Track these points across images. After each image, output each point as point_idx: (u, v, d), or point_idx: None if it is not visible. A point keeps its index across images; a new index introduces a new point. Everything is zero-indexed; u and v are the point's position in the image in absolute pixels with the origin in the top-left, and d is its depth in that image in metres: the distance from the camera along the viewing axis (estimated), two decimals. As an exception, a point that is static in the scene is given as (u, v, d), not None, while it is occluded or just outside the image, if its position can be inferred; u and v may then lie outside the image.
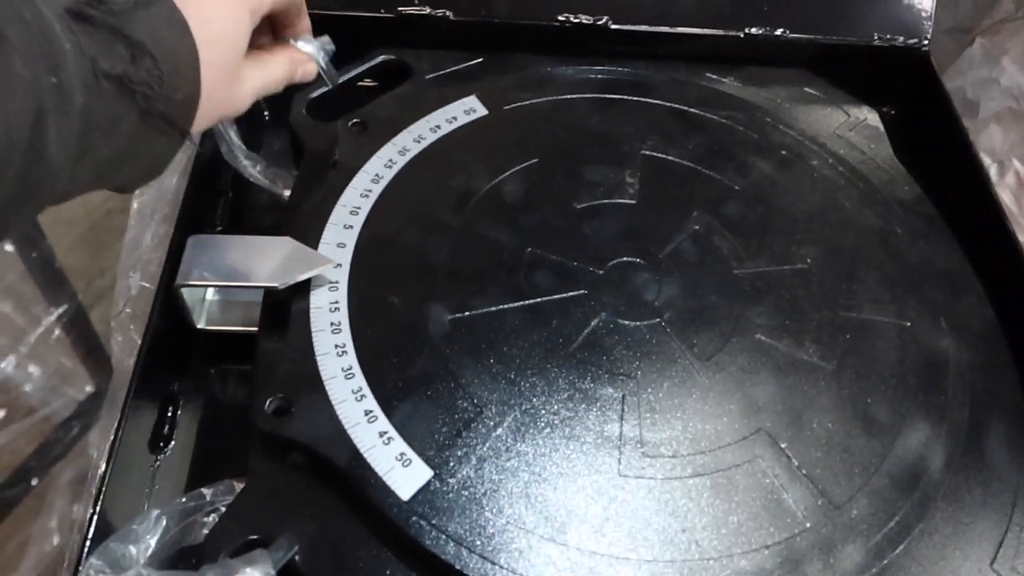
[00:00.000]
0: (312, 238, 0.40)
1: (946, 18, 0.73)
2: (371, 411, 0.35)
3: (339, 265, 0.40)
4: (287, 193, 0.45)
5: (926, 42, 0.54)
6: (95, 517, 0.35)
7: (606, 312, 0.39)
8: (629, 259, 0.41)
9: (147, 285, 0.46)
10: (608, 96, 0.50)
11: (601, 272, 0.41)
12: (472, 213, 0.43)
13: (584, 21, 0.53)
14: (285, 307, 0.38)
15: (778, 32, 0.53)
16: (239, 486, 0.35)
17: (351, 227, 0.41)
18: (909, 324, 0.40)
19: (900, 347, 0.39)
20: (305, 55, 0.40)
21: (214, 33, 0.32)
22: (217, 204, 0.50)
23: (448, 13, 0.53)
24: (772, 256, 0.42)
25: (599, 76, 0.51)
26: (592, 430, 0.35)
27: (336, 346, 0.37)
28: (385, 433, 0.34)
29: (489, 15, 0.53)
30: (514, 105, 0.48)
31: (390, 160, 0.45)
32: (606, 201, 0.44)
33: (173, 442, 0.41)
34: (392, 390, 0.36)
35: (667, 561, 0.32)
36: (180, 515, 0.34)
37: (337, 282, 0.39)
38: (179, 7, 0.30)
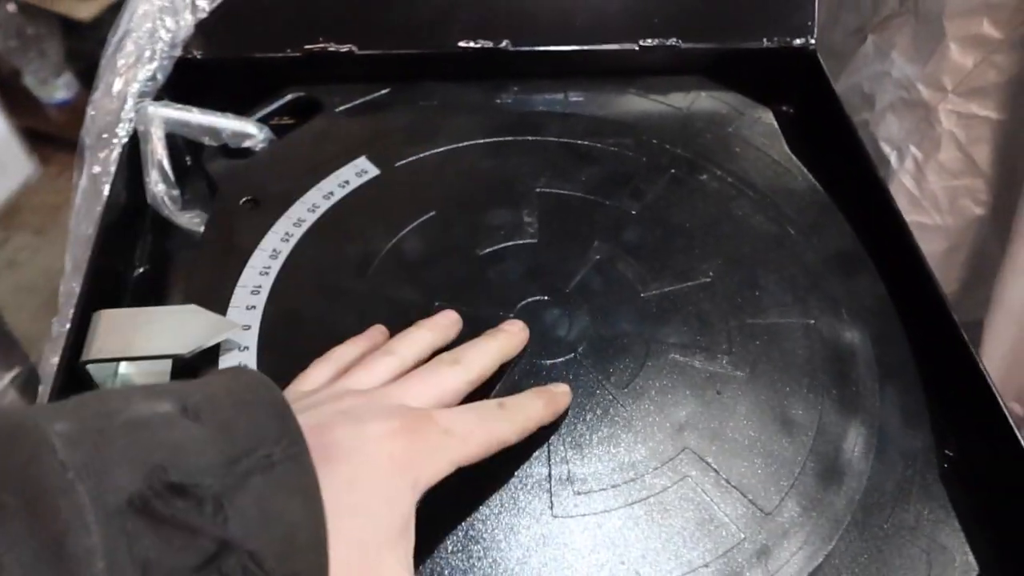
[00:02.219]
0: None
1: (850, 20, 0.78)
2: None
3: (248, 327, 0.39)
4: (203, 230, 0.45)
5: (812, 42, 0.56)
6: None
7: (526, 355, 0.39)
8: (537, 298, 0.41)
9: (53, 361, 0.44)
10: (497, 139, 0.50)
11: (511, 316, 0.40)
12: (375, 276, 0.42)
13: (484, 46, 0.54)
14: (196, 375, 0.37)
15: (671, 42, 0.55)
16: None
17: (254, 307, 0.40)
18: (813, 322, 0.42)
19: (808, 345, 0.41)
20: None
21: (352, 499, 0.26)
22: (135, 248, 0.48)
23: (352, 48, 0.53)
24: (675, 274, 0.43)
25: (486, 120, 0.52)
26: (520, 474, 0.35)
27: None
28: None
29: (392, 47, 0.54)
30: (405, 160, 0.48)
31: (286, 234, 0.43)
32: (508, 244, 0.44)
33: None
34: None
35: None
36: None
37: (247, 366, 0.37)
38: (317, 462, 0.24)
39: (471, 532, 0.33)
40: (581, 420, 0.37)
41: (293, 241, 0.43)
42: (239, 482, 0.23)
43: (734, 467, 0.36)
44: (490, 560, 0.32)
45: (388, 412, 0.30)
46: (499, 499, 0.34)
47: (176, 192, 0.47)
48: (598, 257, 0.44)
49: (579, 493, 0.34)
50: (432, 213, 0.45)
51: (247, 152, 0.49)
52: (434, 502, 0.32)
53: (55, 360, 0.45)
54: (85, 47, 1.41)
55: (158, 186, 0.47)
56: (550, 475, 0.35)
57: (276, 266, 0.42)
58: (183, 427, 0.23)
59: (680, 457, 0.36)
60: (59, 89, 1.45)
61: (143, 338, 0.37)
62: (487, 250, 0.44)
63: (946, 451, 0.38)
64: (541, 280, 0.42)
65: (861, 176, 0.49)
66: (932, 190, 0.69)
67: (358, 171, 0.47)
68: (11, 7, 1.32)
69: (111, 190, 0.46)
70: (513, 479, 0.34)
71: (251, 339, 0.39)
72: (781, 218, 0.47)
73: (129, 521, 0.21)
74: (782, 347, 0.40)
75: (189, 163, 0.51)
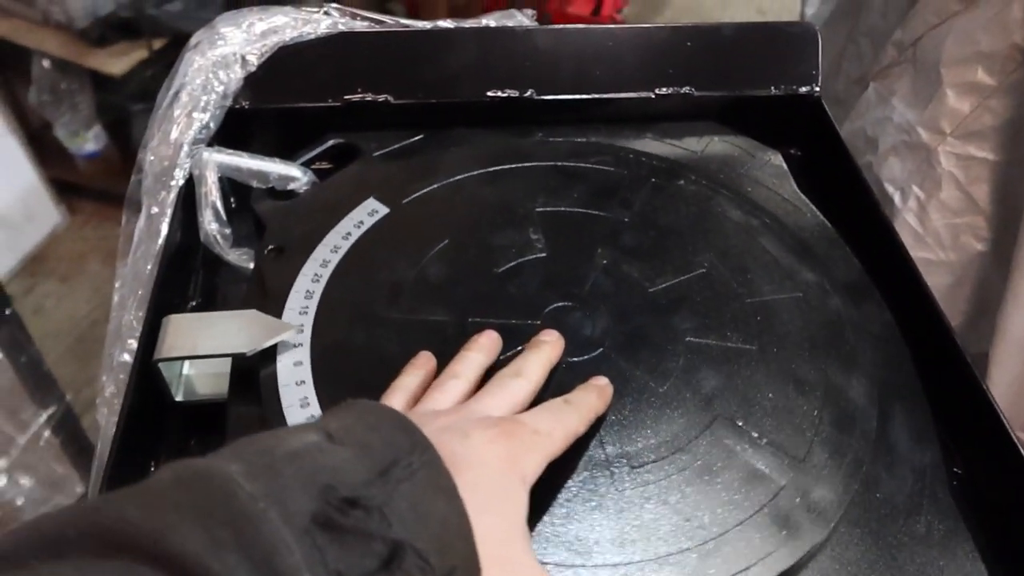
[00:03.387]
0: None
1: (852, 70, 0.82)
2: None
3: (302, 328, 0.43)
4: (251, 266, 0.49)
5: (817, 89, 0.61)
6: None
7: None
8: (558, 304, 0.46)
9: (127, 358, 0.48)
10: (492, 169, 0.55)
11: (539, 322, 0.45)
12: (408, 302, 0.46)
13: (511, 95, 0.59)
14: (255, 378, 0.41)
15: (685, 91, 0.60)
16: None
17: (301, 344, 0.43)
18: (802, 295, 0.47)
19: (801, 316, 0.46)
20: None
21: (480, 505, 0.29)
22: (189, 283, 0.52)
23: (388, 98, 0.58)
24: (675, 269, 0.48)
25: (480, 152, 0.56)
26: (581, 459, 0.39)
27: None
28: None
29: (425, 97, 0.59)
30: (412, 197, 0.52)
31: (316, 275, 0.47)
32: (521, 260, 0.48)
33: None
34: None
35: (685, 551, 0.36)
36: None
37: (307, 398, 0.41)
38: (447, 465, 0.28)
39: (553, 512, 0.37)
40: (623, 405, 0.41)
41: (323, 281, 0.47)
42: (393, 490, 0.26)
43: (763, 426, 0.40)
44: (572, 532, 0.36)
45: (484, 423, 0.34)
46: (570, 483, 0.38)
47: (228, 231, 0.52)
48: (604, 262, 0.48)
49: (635, 468, 0.39)
50: (446, 241, 0.49)
51: (292, 194, 0.54)
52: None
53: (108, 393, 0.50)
54: (114, 101, 1.47)
55: (211, 225, 0.52)
56: (606, 455, 0.39)
57: (312, 305, 0.45)
58: (332, 451, 0.26)
59: (714, 425, 0.40)
60: (89, 141, 1.52)
61: (208, 339, 0.42)
62: (504, 267, 0.48)
63: (954, 468, 0.42)
64: (558, 288, 0.47)
65: (866, 212, 0.53)
66: (935, 227, 0.72)
67: (369, 211, 0.51)
68: (46, 63, 1.39)
69: (169, 229, 0.50)
70: (578, 464, 0.39)
71: (306, 374, 0.42)
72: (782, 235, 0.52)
73: (317, 536, 0.23)
74: (781, 319, 0.45)
75: (234, 205, 0.56)
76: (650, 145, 0.59)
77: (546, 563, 0.36)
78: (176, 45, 1.44)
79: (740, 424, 0.40)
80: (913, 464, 0.41)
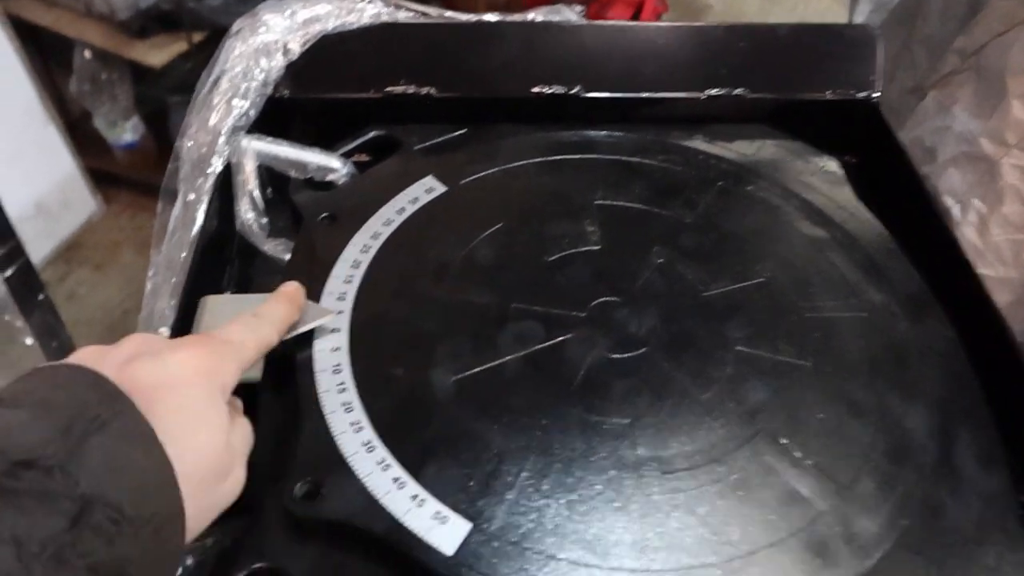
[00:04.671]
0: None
1: (906, 79, 0.80)
2: (399, 478, 0.36)
3: (340, 312, 0.42)
4: (288, 258, 0.49)
5: (876, 95, 0.59)
6: None
7: (597, 350, 0.42)
8: (606, 299, 0.44)
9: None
10: (553, 158, 0.54)
11: (583, 315, 0.44)
12: (453, 281, 0.45)
13: (557, 91, 0.57)
14: (288, 361, 0.41)
15: (738, 92, 0.58)
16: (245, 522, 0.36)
17: (341, 312, 0.43)
18: (867, 315, 0.44)
19: (864, 336, 0.43)
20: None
21: (190, 429, 0.29)
22: (224, 272, 0.52)
23: (432, 91, 0.57)
24: (733, 276, 0.46)
25: (542, 141, 0.55)
26: (610, 458, 0.38)
27: (351, 424, 0.38)
28: (416, 496, 0.36)
29: (470, 91, 0.57)
30: (470, 178, 0.52)
31: (365, 246, 0.47)
32: (573, 251, 0.47)
33: None
34: (414, 455, 0.37)
35: (708, 565, 0.34)
36: (191, 555, 0.36)
37: (340, 365, 0.41)
38: (141, 410, 0.27)
39: (570, 509, 0.36)
40: (660, 408, 0.39)
41: (371, 252, 0.47)
42: (78, 445, 0.25)
43: (808, 447, 0.38)
44: (592, 531, 0.35)
45: (175, 343, 0.33)
46: (593, 480, 0.37)
47: (264, 220, 0.52)
48: (659, 261, 0.47)
49: (666, 473, 0.37)
50: (499, 225, 0.49)
51: (330, 185, 0.53)
52: (532, 483, 0.36)
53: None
54: (153, 93, 1.48)
55: (248, 214, 0.51)
56: (638, 457, 0.38)
57: (358, 275, 0.45)
58: (5, 414, 0.25)
59: (755, 439, 0.38)
60: (127, 132, 1.53)
61: None
62: (554, 256, 0.47)
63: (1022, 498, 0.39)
64: (607, 282, 0.45)
65: (928, 224, 0.51)
66: (996, 242, 0.69)
67: (426, 188, 0.51)
68: (87, 53, 1.40)
69: (205, 217, 0.50)
70: (605, 461, 0.37)
71: (342, 340, 0.42)
72: (833, 226, 0.50)
73: None
74: (840, 338, 0.43)
75: (270, 195, 0.55)
76: (699, 148, 0.57)
77: (559, 558, 0.34)
78: (216, 38, 1.44)
79: (783, 442, 0.38)
80: (979, 490, 0.38)
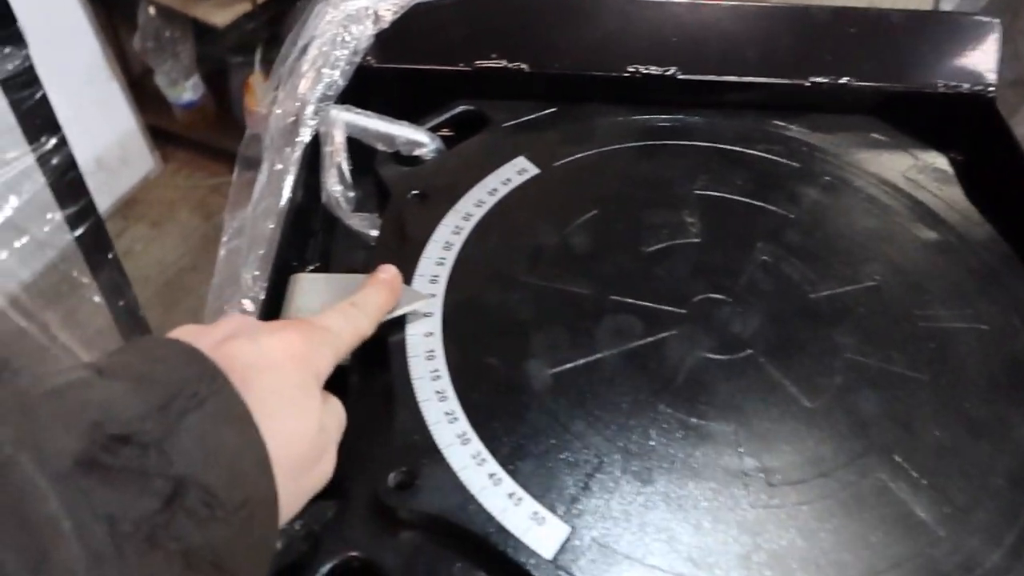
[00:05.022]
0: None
1: (1008, 71, 0.76)
2: (494, 474, 0.35)
3: (433, 296, 0.41)
4: (374, 233, 0.48)
5: (992, 90, 0.55)
6: None
7: (699, 349, 0.40)
8: (708, 296, 0.43)
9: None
10: (651, 143, 0.52)
11: (684, 311, 0.42)
12: (547, 269, 0.44)
13: (652, 72, 0.55)
14: (379, 344, 0.39)
15: (843, 80, 0.55)
16: (332, 508, 0.35)
17: (434, 295, 0.42)
18: (986, 327, 0.42)
19: (983, 350, 0.41)
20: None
21: (283, 412, 0.28)
22: (308, 245, 0.51)
23: (523, 66, 0.55)
24: (842, 278, 0.44)
25: (639, 125, 0.53)
26: (713, 466, 0.36)
27: (446, 414, 0.37)
28: (513, 494, 0.35)
29: (562, 68, 0.55)
30: (563, 161, 0.50)
31: (456, 227, 0.45)
32: (672, 243, 0.45)
33: None
34: (510, 451, 0.36)
35: None
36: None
37: (433, 351, 0.39)
38: (240, 389, 0.26)
39: (672, 518, 0.34)
40: (766, 415, 0.38)
41: (464, 234, 0.45)
42: (176, 423, 0.24)
43: (924, 466, 0.36)
44: (694, 546, 0.33)
45: (272, 326, 0.32)
46: (695, 488, 0.35)
47: (352, 194, 0.50)
48: (764, 258, 0.44)
49: (772, 485, 0.35)
50: (594, 211, 0.47)
51: (415, 159, 0.51)
52: (633, 488, 0.34)
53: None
54: (214, 52, 1.48)
55: (335, 187, 0.50)
56: (743, 467, 0.36)
57: (451, 257, 0.44)
58: (103, 386, 0.24)
59: (868, 454, 0.36)
60: (187, 91, 1.53)
61: (337, 302, 0.39)
62: (653, 247, 0.45)
63: None
64: (709, 278, 0.43)
65: None
66: None
67: (518, 170, 0.49)
68: (152, 10, 1.40)
69: (293, 188, 0.49)
70: (708, 469, 0.36)
71: (435, 325, 0.41)
72: (948, 229, 0.47)
73: (82, 479, 0.21)
74: (958, 350, 0.41)
75: (351, 167, 0.53)
76: (803, 138, 0.54)
77: (662, 570, 0.33)
78: (279, 1, 1.45)
79: (898, 459, 0.36)
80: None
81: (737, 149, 0.51)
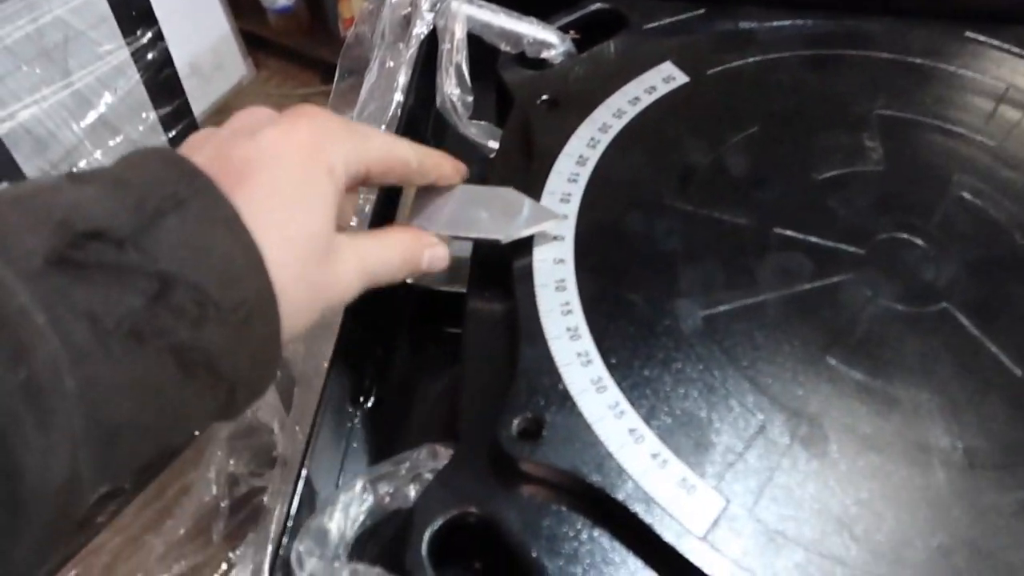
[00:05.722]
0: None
1: None
2: (635, 429, 0.30)
3: (565, 217, 0.36)
4: (492, 144, 0.42)
5: None
6: (302, 473, 0.32)
7: (881, 298, 0.33)
8: (893, 235, 0.36)
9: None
10: (821, 52, 0.44)
11: (863, 252, 0.35)
12: (698, 192, 0.37)
13: None
14: (501, 267, 0.35)
15: None
16: (443, 451, 0.32)
17: (565, 216, 0.36)
18: None
19: None
20: (430, 236, 0.34)
21: (282, 209, 0.26)
22: None
23: None
24: (1059, 222, 0.36)
25: (805, 31, 0.45)
26: (900, 439, 0.30)
27: (578, 355, 0.32)
28: (658, 455, 0.29)
29: None
30: (717, 69, 0.43)
31: (592, 139, 0.39)
32: (848, 170, 0.38)
33: (372, 399, 0.40)
34: (653, 403, 0.31)
35: None
36: (384, 482, 0.31)
37: (564, 281, 0.34)
38: (226, 191, 0.24)
39: (850, 499, 0.29)
40: (963, 383, 0.31)
41: (600, 148, 0.39)
42: (152, 222, 0.22)
43: None
44: (877, 535, 0.28)
45: (279, 117, 0.29)
46: (878, 465, 0.29)
47: (470, 99, 0.45)
48: (961, 194, 0.37)
49: (974, 467, 0.29)
50: (754, 128, 0.40)
51: (543, 63, 0.45)
52: (802, 460, 0.29)
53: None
54: (312, -48, 1.42)
55: (453, 89, 0.44)
56: (938, 444, 0.30)
57: (584, 174, 0.38)
58: (73, 189, 0.23)
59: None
60: (282, -5, 1.48)
61: (456, 216, 0.35)
62: (826, 175, 0.38)
63: None
64: (894, 214, 0.36)
65: None
66: None
67: (664, 77, 0.43)
68: (249, -92, 1.34)
69: (405, 90, 0.43)
70: (893, 444, 0.30)
71: (567, 251, 0.35)
72: None
73: (54, 278, 0.20)
74: None
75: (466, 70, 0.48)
76: (1010, 49, 0.45)
77: (834, 558, 0.27)
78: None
79: None
80: None
81: (927, 63, 0.43)
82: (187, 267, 0.22)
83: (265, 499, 0.37)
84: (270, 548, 0.30)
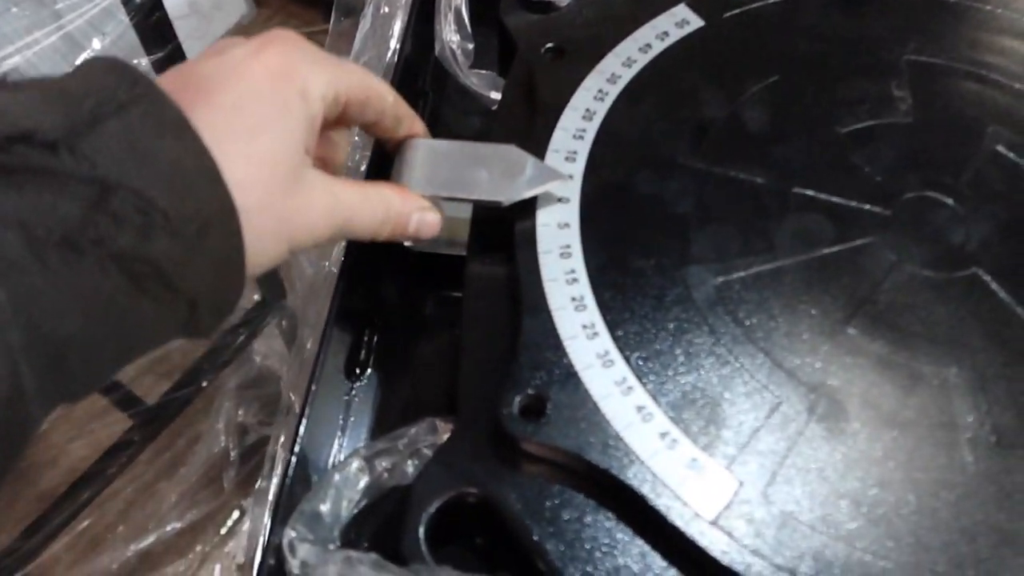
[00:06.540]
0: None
1: None
2: (643, 407, 0.28)
3: (570, 177, 0.34)
4: (494, 95, 0.40)
5: None
6: (296, 445, 0.31)
7: (907, 263, 0.31)
8: (921, 194, 0.33)
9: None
10: (847, -9, 0.41)
11: (889, 212, 0.33)
12: (713, 149, 0.35)
13: None
14: (502, 231, 0.33)
15: None
16: (442, 425, 0.31)
17: (570, 176, 0.34)
18: None
19: None
20: (421, 199, 0.32)
21: (244, 128, 0.25)
22: (416, 105, 0.44)
23: None
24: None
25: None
26: (924, 417, 0.28)
27: (583, 327, 0.30)
28: (667, 434, 0.28)
29: None
30: (735, 12, 0.40)
31: (600, 91, 0.37)
32: (874, 122, 0.36)
33: (369, 369, 0.38)
34: (663, 379, 0.29)
35: None
36: (381, 458, 0.31)
37: (570, 247, 0.32)
38: (175, 95, 0.23)
39: (870, 481, 0.27)
40: (994, 356, 0.29)
41: (609, 100, 0.37)
42: (90, 127, 0.21)
43: None
44: (898, 520, 0.26)
45: (249, 41, 0.27)
46: (900, 444, 0.28)
47: (470, 46, 0.42)
48: (996, 148, 0.35)
49: (1005, 447, 0.27)
50: (775, 78, 0.37)
51: (548, 6, 0.42)
52: (819, 439, 0.27)
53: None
54: None
55: (452, 36, 0.42)
56: (964, 421, 0.28)
57: (592, 129, 0.36)
58: (5, 96, 0.21)
59: None
60: (281, -73, 1.43)
61: (455, 175, 0.33)
62: (850, 128, 0.35)
63: None
64: (922, 171, 0.34)
65: None
66: None
67: (678, 21, 0.40)
68: None
69: (401, 36, 0.41)
70: (916, 421, 0.28)
71: (572, 215, 0.33)
72: None
73: None
74: None
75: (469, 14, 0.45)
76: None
77: (852, 544, 0.26)
78: None
79: None
80: None
81: (962, 2, 0.40)
82: (129, 173, 0.21)
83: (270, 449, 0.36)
84: (261, 539, 0.29)
